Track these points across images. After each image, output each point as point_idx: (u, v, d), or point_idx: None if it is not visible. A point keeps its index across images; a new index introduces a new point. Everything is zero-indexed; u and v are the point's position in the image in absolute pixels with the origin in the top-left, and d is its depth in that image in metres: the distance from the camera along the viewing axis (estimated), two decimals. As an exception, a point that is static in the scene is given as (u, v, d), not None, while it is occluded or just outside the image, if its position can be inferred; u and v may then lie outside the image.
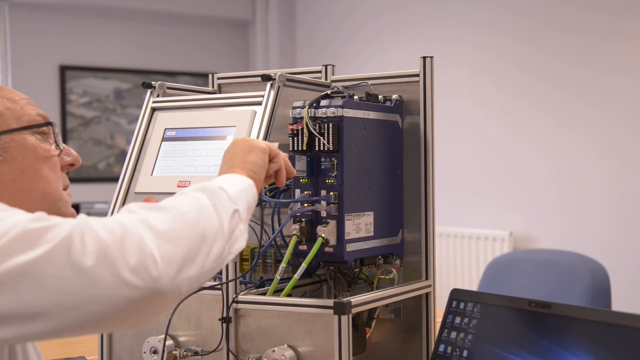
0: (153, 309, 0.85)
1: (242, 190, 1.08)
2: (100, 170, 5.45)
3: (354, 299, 1.32)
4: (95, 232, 0.84)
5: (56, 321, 0.81)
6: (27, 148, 1.08)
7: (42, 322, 0.81)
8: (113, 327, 0.86)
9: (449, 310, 1.37)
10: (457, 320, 1.35)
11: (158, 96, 1.61)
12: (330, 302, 1.29)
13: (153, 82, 1.61)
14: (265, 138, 1.37)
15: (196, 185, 1.05)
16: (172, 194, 1.41)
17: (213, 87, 1.79)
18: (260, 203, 1.45)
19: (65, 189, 1.14)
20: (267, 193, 1.44)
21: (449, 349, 1.33)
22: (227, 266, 1.32)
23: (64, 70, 5.24)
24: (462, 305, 1.36)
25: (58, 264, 0.81)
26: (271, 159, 1.21)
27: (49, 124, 1.13)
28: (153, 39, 5.54)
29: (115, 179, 1.46)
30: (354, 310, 1.31)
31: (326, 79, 1.64)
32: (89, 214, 0.92)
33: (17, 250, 0.80)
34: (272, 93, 1.41)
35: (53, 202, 1.09)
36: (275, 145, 1.53)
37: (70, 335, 0.85)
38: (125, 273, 0.82)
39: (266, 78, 1.42)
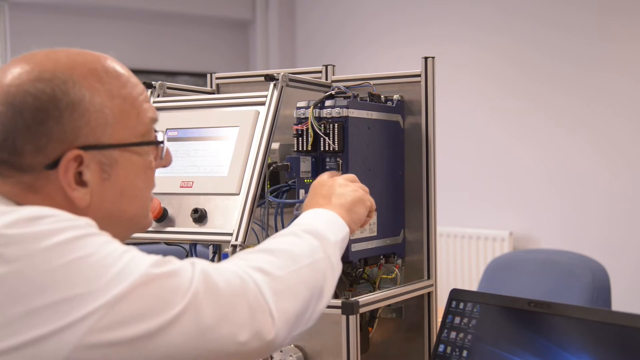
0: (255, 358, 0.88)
1: (342, 239, 1.09)
2: (100, 170, 5.44)
3: (362, 299, 1.33)
4: (218, 289, 0.84)
5: None
6: (132, 164, 0.95)
7: None
8: None
9: (449, 310, 1.37)
10: (457, 320, 1.35)
11: (158, 96, 1.61)
12: (338, 302, 1.29)
13: (153, 82, 1.61)
14: (269, 139, 1.37)
15: (312, 226, 1.04)
16: (175, 194, 1.42)
17: (211, 87, 1.80)
18: (263, 203, 1.45)
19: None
20: (271, 193, 1.44)
21: (449, 349, 1.33)
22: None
23: (64, 70, 5.23)
24: (461, 305, 1.36)
25: (185, 329, 0.81)
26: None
27: (162, 142, 1.00)
28: (153, 39, 5.54)
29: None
30: (362, 310, 1.32)
31: (327, 79, 1.64)
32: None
33: (146, 314, 0.79)
34: (276, 93, 1.41)
35: (138, 222, 0.99)
36: (276, 145, 1.54)
37: None
38: (244, 337, 0.84)
39: (269, 78, 1.42)
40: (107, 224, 0.90)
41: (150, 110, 0.98)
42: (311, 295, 0.95)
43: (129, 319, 0.78)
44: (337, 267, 1.04)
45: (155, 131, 1.00)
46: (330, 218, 1.10)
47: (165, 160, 1.03)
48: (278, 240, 0.99)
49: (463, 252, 4.37)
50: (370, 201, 1.20)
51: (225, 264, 0.91)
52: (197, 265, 0.86)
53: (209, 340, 0.82)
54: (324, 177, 1.24)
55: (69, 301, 0.77)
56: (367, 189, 1.23)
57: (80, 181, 0.91)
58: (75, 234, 0.81)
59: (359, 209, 1.17)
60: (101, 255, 0.80)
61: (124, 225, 0.97)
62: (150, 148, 0.98)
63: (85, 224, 0.84)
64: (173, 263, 0.85)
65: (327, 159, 1.40)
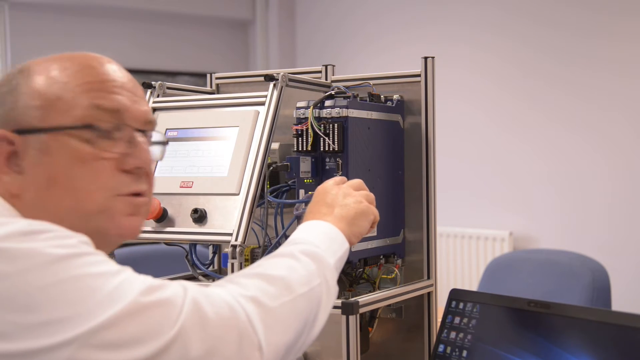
0: None
1: (340, 258, 1.07)
2: (100, 170, 5.43)
3: (361, 299, 1.33)
4: (208, 321, 0.82)
5: None
6: (65, 150, 0.89)
7: None
8: None
9: (449, 310, 1.37)
10: (457, 320, 1.35)
11: (158, 96, 1.61)
12: (338, 302, 1.29)
13: (153, 82, 1.61)
14: (268, 139, 1.38)
15: (311, 245, 1.02)
16: (175, 194, 1.42)
17: (211, 87, 1.80)
18: (263, 203, 1.45)
19: (140, 194, 0.95)
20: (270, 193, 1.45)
21: (449, 349, 1.33)
22: (232, 267, 1.32)
23: (64, 70, 5.23)
24: (461, 305, 1.36)
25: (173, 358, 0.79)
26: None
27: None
28: (153, 39, 5.54)
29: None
30: (362, 310, 1.32)
31: (326, 79, 1.64)
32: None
33: (132, 343, 0.77)
34: (275, 93, 1.41)
35: (87, 218, 0.91)
36: (276, 145, 1.54)
37: None
38: None
39: (269, 78, 1.42)
40: (45, 219, 0.85)
41: (104, 96, 0.92)
42: (304, 326, 0.93)
43: (114, 346, 0.76)
44: (334, 291, 1.02)
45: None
46: (330, 234, 1.08)
47: (137, 159, 0.94)
48: (275, 263, 0.96)
49: (463, 252, 4.37)
50: (374, 214, 1.16)
51: (218, 289, 0.88)
52: (189, 293, 0.83)
53: None
54: (329, 183, 1.20)
55: (54, 323, 0.75)
56: (373, 197, 1.19)
57: (16, 168, 0.90)
58: (66, 253, 0.79)
59: (362, 222, 1.13)
60: (91, 277, 0.78)
61: (65, 220, 0.88)
62: (112, 142, 0.92)
63: (78, 242, 0.82)
64: (164, 290, 0.82)
65: (327, 159, 1.39)
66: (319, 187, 1.19)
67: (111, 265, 0.82)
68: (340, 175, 1.38)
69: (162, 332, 0.79)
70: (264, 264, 0.96)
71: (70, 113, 0.90)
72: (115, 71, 0.96)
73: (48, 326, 0.75)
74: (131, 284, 0.80)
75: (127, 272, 0.82)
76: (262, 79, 1.45)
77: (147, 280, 0.82)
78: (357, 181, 1.21)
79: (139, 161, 0.94)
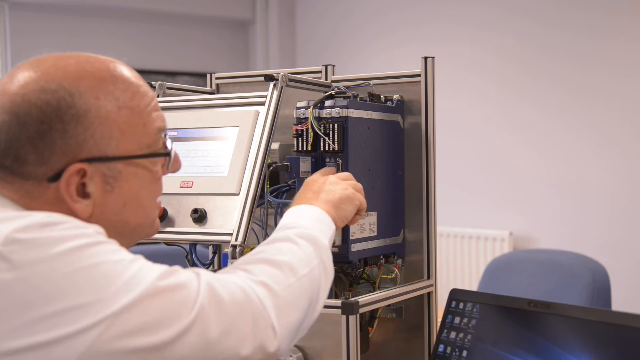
0: None
1: (329, 240, 1.11)
2: (100, 170, 5.43)
3: (361, 299, 1.33)
4: (223, 303, 0.85)
5: None
6: (137, 177, 0.94)
7: None
8: None
9: (449, 310, 1.37)
10: (457, 320, 1.35)
11: (158, 96, 1.61)
12: (337, 302, 1.29)
13: (153, 82, 1.61)
14: (268, 139, 1.37)
15: (305, 228, 1.06)
16: (175, 194, 1.42)
17: (211, 87, 1.80)
18: (263, 203, 1.45)
19: None
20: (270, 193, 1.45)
21: (449, 349, 1.33)
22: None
23: (64, 70, 5.22)
24: (461, 305, 1.36)
25: (191, 342, 0.81)
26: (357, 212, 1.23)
27: (168, 154, 0.99)
28: (153, 39, 5.54)
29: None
30: (362, 310, 1.32)
31: (326, 79, 1.64)
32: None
33: (153, 326, 0.79)
34: (275, 93, 1.41)
35: (142, 231, 0.99)
36: (276, 145, 1.54)
37: None
38: (247, 350, 0.85)
39: (269, 78, 1.42)
40: (110, 234, 0.90)
41: (158, 120, 0.97)
42: (309, 305, 0.97)
43: (136, 330, 0.78)
44: (331, 272, 1.05)
45: (164, 135, 0.99)
46: (318, 216, 1.11)
47: (173, 167, 1.02)
48: (276, 248, 1.00)
49: (463, 252, 4.37)
50: (359, 200, 1.21)
51: (228, 275, 0.91)
52: (202, 278, 0.86)
53: (214, 353, 0.83)
54: (316, 174, 1.26)
55: (76, 309, 0.77)
56: (360, 186, 1.24)
57: (82, 193, 0.90)
58: (84, 242, 0.81)
59: (347, 206, 1.18)
60: (109, 265, 0.81)
61: (126, 234, 0.96)
62: (156, 158, 0.97)
63: (94, 232, 0.84)
64: (180, 274, 0.85)
65: (327, 159, 1.40)
66: (308, 179, 1.24)
67: (126, 253, 0.84)
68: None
69: (182, 315, 0.81)
70: (266, 250, 1.00)
71: (143, 140, 0.94)
72: (141, 79, 0.98)
73: (70, 313, 0.77)
74: (147, 270, 0.83)
75: (142, 259, 0.85)
76: (262, 79, 1.45)
77: (162, 266, 0.85)
78: (345, 173, 1.27)
79: (175, 169, 1.03)
